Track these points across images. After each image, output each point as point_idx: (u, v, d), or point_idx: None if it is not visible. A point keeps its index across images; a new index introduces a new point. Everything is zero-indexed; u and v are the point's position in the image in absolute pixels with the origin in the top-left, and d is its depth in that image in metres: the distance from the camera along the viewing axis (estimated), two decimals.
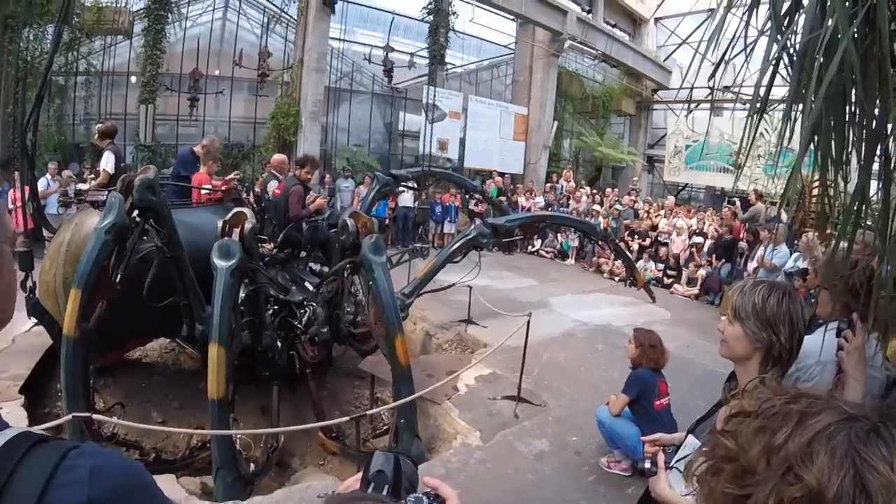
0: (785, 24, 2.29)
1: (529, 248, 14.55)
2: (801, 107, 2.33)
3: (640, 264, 11.72)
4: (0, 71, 12.72)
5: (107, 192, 5.01)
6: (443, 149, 16.52)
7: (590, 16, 20.47)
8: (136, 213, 4.46)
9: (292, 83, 15.18)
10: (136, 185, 4.38)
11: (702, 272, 11.43)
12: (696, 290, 11.33)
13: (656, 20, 23.39)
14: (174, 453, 5.05)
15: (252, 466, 4.60)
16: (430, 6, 17.72)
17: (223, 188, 6.62)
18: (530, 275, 11.68)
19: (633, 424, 4.39)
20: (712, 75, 2.55)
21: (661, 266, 12.28)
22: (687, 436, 1.97)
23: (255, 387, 5.77)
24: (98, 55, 14.85)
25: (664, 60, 22.81)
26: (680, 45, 22.40)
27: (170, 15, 15.06)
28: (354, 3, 16.17)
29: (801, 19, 2.21)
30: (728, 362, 1.94)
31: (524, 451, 4.77)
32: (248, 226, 4.91)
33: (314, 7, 14.26)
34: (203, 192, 6.58)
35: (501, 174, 17.05)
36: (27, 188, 5.45)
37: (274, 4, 16.61)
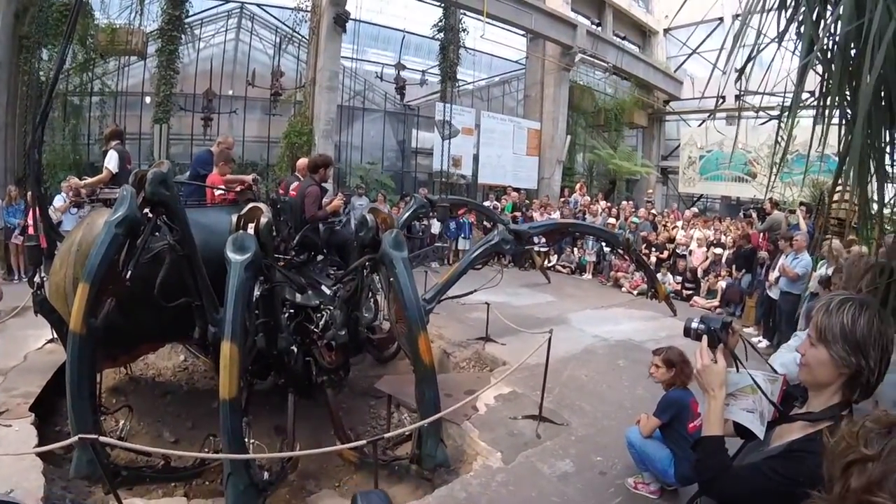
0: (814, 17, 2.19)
1: (546, 263, 14.40)
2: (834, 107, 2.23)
3: (658, 277, 11.56)
4: (15, 91, 12.87)
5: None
6: (456, 165, 16.51)
7: (599, 29, 20.56)
8: (148, 208, 4.31)
9: (305, 102, 15.24)
10: (149, 178, 4.22)
11: (721, 283, 11.26)
12: (716, 302, 11.16)
13: (666, 31, 23.41)
14: (184, 461, 4.88)
15: (266, 475, 4.39)
16: (440, 24, 17.80)
17: (238, 189, 6.40)
18: (547, 290, 11.51)
19: (665, 447, 4.22)
20: (738, 78, 2.46)
21: (679, 279, 12.08)
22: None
23: (269, 407, 5.66)
24: (112, 76, 14.95)
25: (675, 71, 22.81)
26: (690, 54, 22.39)
27: (183, 36, 15.15)
28: (365, 23, 16.22)
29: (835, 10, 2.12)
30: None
31: (547, 473, 4.60)
32: (263, 220, 4.75)
33: (326, 27, 14.35)
34: (217, 193, 6.40)
35: (516, 189, 16.98)
36: (37, 205, 5.37)
37: (286, 25, 16.69)
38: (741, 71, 2.38)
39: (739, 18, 2.26)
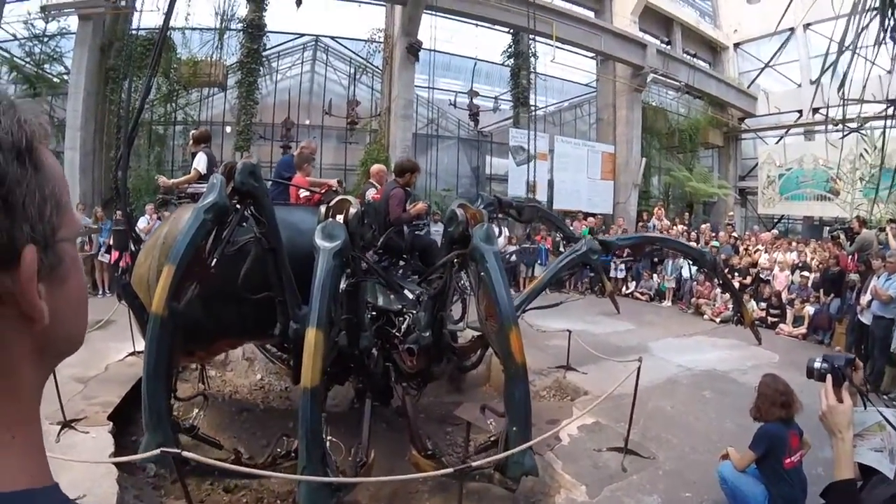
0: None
1: (624, 290, 14.06)
2: None
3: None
4: (102, 119, 13.69)
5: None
6: (532, 191, 16.41)
7: (669, 47, 20.18)
8: (236, 198, 4.33)
9: (380, 130, 15.58)
10: (239, 168, 4.28)
11: (809, 309, 10.66)
12: (803, 330, 10.55)
13: (736, 46, 22.71)
14: (255, 458, 4.81)
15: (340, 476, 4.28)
16: (510, 50, 17.91)
17: (323, 191, 6.41)
18: (626, 318, 11.18)
19: (759, 482, 3.99)
20: (840, 87, 2.31)
21: (763, 305, 11.53)
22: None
23: (344, 429, 5.60)
24: (195, 106, 15.79)
25: (748, 87, 22.03)
26: (763, 68, 21.60)
27: (261, 68, 15.88)
28: (438, 52, 16.49)
29: None
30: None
31: None
32: (352, 210, 4.62)
33: (399, 57, 14.68)
34: (302, 194, 6.44)
35: (591, 214, 16.73)
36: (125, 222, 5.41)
37: (359, 56, 17.16)
38: (842, 80, 2.25)
39: (853, 15, 2.13)
